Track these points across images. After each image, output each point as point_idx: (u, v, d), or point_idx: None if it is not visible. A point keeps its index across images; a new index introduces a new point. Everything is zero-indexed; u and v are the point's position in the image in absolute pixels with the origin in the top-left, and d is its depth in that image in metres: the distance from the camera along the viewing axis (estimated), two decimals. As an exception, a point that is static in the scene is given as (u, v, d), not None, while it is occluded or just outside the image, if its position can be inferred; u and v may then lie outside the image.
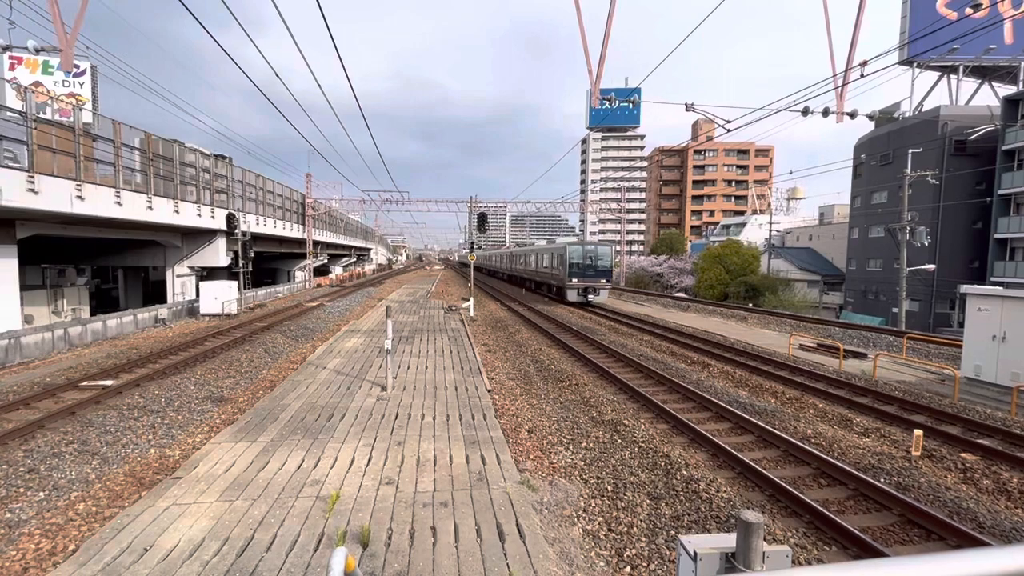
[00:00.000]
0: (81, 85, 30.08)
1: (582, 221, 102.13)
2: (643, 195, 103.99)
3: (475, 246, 32.87)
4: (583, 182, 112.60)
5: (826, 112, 14.46)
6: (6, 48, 27.79)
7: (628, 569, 4.79)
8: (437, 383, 10.44)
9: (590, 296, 28.30)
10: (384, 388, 9.90)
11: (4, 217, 15.01)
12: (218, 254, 25.99)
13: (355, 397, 9.39)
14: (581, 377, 12.12)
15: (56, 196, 15.21)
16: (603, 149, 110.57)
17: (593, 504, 6.00)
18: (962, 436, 8.09)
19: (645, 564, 4.87)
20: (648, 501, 6.08)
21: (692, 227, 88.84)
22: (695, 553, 1.44)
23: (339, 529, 4.79)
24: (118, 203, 18.03)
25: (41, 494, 6.22)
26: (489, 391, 9.95)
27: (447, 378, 10.88)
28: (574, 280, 28.16)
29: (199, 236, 25.14)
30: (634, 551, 5.07)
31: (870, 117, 17.02)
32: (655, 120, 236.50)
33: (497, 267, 60.15)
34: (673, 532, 5.40)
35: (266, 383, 11.44)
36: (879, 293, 42.17)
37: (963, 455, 7.46)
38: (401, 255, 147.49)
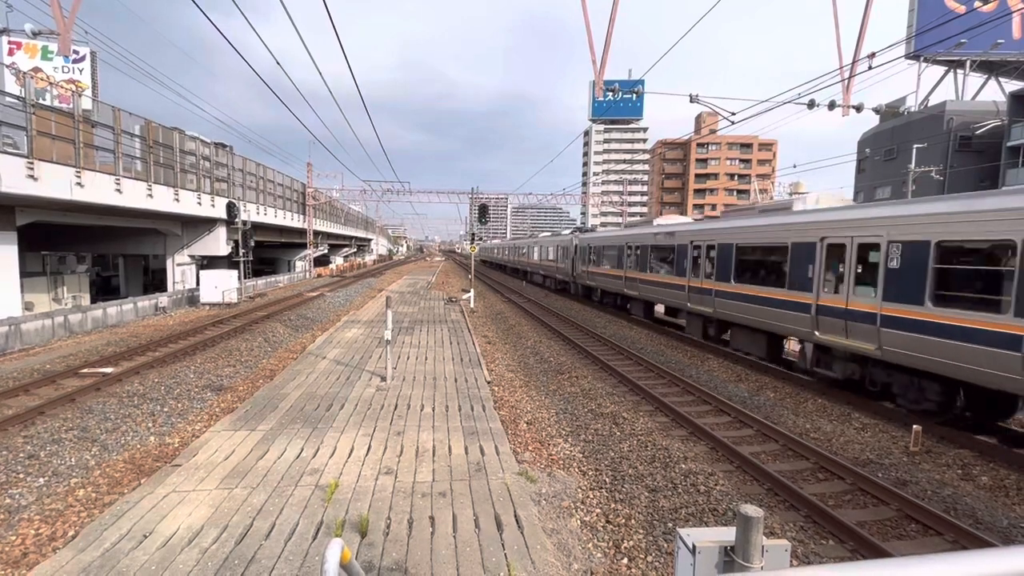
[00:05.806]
0: (81, 71, 29.90)
1: (583, 214, 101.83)
2: (645, 188, 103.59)
3: (476, 237, 32.78)
4: (585, 174, 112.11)
5: (832, 105, 14.33)
6: (3, 31, 27.58)
7: (625, 561, 4.80)
8: (437, 374, 10.44)
9: None
10: (384, 378, 9.90)
11: (3, 203, 14.95)
12: (218, 243, 25.95)
13: (355, 387, 9.39)
14: (581, 369, 12.14)
15: (56, 183, 15.15)
16: (605, 141, 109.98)
17: (591, 496, 6.02)
18: (959, 433, 8.09)
19: (643, 556, 4.89)
20: (646, 493, 6.10)
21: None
22: (694, 546, 1.43)
23: (337, 518, 4.80)
24: (118, 190, 17.97)
25: (41, 480, 6.25)
26: (488, 382, 9.95)
27: (447, 369, 10.89)
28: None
29: (199, 224, 25.08)
30: (631, 543, 5.09)
31: (876, 111, 16.90)
32: (658, 112, 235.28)
33: (554, 267, 32.23)
34: (671, 524, 5.42)
35: (266, 372, 11.46)
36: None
37: (960, 451, 7.47)
38: (402, 246, 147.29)
